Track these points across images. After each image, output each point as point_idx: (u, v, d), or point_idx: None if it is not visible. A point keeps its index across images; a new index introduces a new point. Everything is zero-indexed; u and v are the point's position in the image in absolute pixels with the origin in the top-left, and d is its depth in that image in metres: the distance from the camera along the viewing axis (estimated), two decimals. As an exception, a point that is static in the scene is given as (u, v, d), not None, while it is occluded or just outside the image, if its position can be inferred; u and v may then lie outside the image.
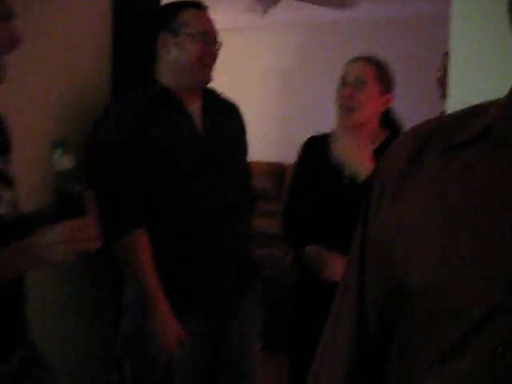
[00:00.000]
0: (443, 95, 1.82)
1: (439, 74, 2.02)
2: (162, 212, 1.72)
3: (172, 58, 1.74)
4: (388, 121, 1.88)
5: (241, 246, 1.79)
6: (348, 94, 1.80)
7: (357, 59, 1.88)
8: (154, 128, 1.72)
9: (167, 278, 1.72)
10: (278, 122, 5.36)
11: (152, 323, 1.67)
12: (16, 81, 1.60)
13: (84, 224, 1.27)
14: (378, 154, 1.74)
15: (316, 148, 1.92)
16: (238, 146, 1.89)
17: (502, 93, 0.63)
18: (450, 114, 0.74)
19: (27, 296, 1.49)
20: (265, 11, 4.17)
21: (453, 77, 1.26)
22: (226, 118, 1.86)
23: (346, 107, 1.81)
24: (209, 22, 1.77)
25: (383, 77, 1.85)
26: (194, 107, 1.81)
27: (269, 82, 5.35)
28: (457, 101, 1.22)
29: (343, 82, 1.84)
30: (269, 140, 5.03)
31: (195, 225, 1.72)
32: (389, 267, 0.70)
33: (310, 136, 2.01)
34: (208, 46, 1.74)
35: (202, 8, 1.76)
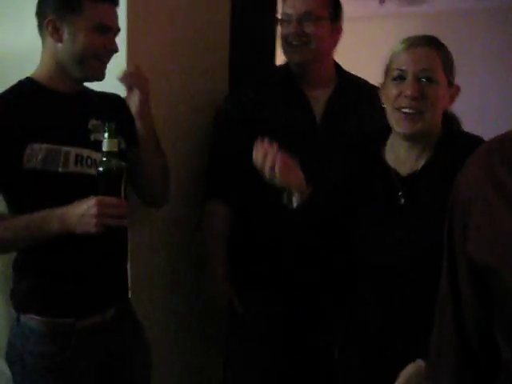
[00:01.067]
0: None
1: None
2: (254, 194, 1.84)
3: None
4: (445, 117, 1.51)
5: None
6: (413, 93, 1.39)
7: (417, 43, 1.43)
8: (268, 113, 1.88)
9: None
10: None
11: (205, 280, 1.91)
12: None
13: (115, 202, 1.41)
14: (439, 159, 1.46)
15: (367, 152, 1.56)
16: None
17: None
18: None
19: (126, 253, 1.67)
20: (382, 0, 4.18)
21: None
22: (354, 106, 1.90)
23: (411, 111, 1.40)
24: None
25: (448, 63, 1.46)
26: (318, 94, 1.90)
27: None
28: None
29: (400, 76, 1.42)
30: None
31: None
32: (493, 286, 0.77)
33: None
34: (288, 26, 1.84)
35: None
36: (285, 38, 1.87)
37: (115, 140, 1.44)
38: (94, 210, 1.38)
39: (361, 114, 1.89)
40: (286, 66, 1.95)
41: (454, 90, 1.48)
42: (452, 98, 1.49)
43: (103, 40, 1.52)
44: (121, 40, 1.63)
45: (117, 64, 1.63)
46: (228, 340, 2.05)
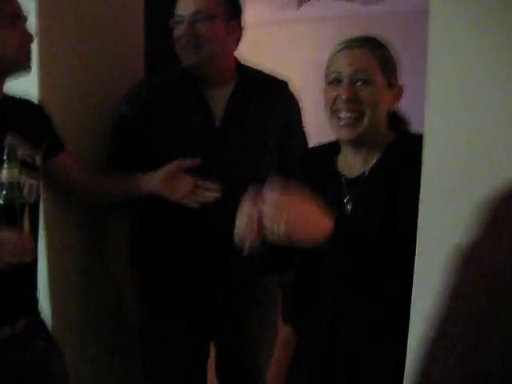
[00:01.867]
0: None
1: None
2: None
3: None
4: (393, 119, 1.47)
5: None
6: (348, 96, 1.36)
7: (353, 44, 1.40)
8: (163, 114, 1.82)
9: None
10: (316, 115, 5.36)
11: None
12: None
13: (15, 237, 1.28)
14: (384, 162, 1.41)
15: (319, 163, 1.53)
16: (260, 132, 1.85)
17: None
18: None
19: (36, 269, 1.56)
20: (299, 5, 4.25)
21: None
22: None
23: (348, 115, 1.37)
24: None
25: (388, 64, 1.41)
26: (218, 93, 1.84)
27: (307, 76, 5.40)
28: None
29: (336, 79, 1.39)
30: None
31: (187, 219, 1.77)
32: None
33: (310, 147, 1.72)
34: (179, 28, 1.78)
35: None
36: (177, 40, 1.79)
37: (15, 169, 1.29)
38: None
39: (265, 111, 1.86)
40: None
41: (396, 91, 1.42)
42: (396, 99, 1.43)
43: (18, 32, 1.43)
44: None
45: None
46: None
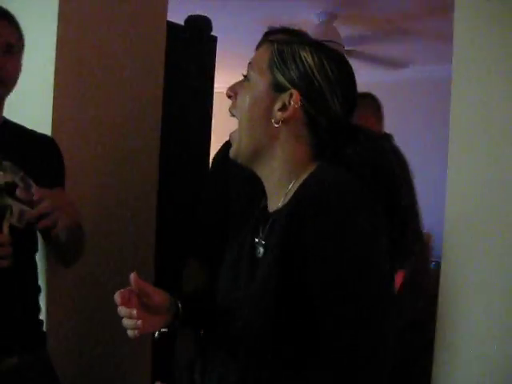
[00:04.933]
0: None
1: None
2: None
3: None
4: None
5: None
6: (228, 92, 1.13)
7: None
8: None
9: None
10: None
11: None
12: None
13: None
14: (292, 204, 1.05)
15: None
16: None
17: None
18: None
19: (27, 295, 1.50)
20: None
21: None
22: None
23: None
24: None
25: (283, 60, 1.08)
26: None
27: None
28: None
29: None
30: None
31: None
32: None
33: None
34: None
35: None
36: None
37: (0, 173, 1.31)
38: None
39: None
40: None
41: (286, 97, 1.06)
42: (285, 108, 1.06)
43: None
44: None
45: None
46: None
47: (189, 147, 2.30)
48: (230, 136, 1.13)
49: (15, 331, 1.47)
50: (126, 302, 1.02)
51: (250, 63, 1.11)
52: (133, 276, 1.02)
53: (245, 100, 1.09)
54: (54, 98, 1.74)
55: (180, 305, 1.07)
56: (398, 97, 5.19)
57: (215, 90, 2.51)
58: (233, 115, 1.11)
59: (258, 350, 1.02)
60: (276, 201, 1.10)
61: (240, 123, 1.10)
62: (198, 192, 1.84)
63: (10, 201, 1.33)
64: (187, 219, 1.91)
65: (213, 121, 2.51)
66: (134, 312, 1.00)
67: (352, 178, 1.02)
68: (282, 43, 1.09)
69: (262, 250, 1.11)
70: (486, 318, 1.31)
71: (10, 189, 1.36)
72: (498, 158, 1.25)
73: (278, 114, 1.06)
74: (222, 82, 2.46)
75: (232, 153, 1.12)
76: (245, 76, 1.11)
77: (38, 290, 1.60)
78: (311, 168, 1.06)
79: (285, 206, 1.06)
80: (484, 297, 1.32)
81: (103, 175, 1.92)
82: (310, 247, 0.94)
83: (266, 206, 1.16)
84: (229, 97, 1.11)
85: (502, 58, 1.27)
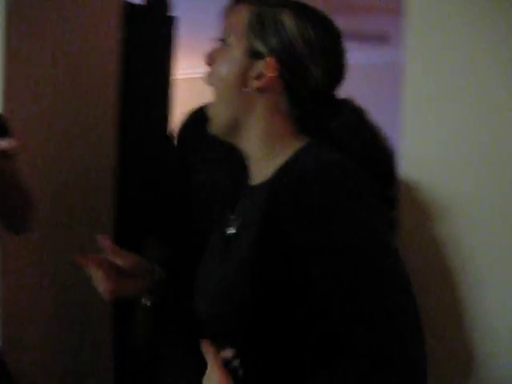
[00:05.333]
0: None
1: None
2: None
3: None
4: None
5: None
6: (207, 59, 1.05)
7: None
8: None
9: None
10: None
11: None
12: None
13: None
14: (273, 183, 0.96)
15: None
16: None
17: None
18: None
19: None
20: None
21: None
22: None
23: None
24: None
25: (263, 26, 1.00)
26: None
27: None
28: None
29: None
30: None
31: None
32: None
33: None
34: None
35: None
36: None
37: None
38: None
39: None
40: None
41: (264, 65, 0.99)
42: (261, 76, 0.99)
43: None
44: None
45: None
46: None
47: (148, 127, 2.28)
48: (206, 109, 1.05)
49: None
50: (96, 265, 1.03)
51: (225, 26, 1.03)
52: (101, 237, 1.03)
53: (220, 67, 1.01)
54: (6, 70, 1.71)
55: (160, 270, 1.08)
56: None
57: (181, 77, 2.49)
58: (211, 84, 1.03)
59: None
60: (259, 178, 1.02)
61: (215, 92, 1.02)
62: (157, 170, 1.83)
63: None
64: (147, 197, 1.89)
65: (176, 107, 2.49)
66: (101, 274, 1.02)
67: (345, 155, 0.95)
68: (261, 5, 1.00)
69: (232, 228, 1.03)
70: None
71: None
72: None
73: (254, 83, 0.99)
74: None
75: (210, 128, 1.05)
76: (222, 40, 1.03)
77: None
78: (297, 144, 0.98)
79: (267, 182, 0.98)
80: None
81: (60, 150, 1.90)
82: (314, 224, 0.86)
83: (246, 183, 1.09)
84: (208, 64, 1.04)
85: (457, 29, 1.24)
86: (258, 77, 0.99)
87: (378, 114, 1.08)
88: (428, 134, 1.22)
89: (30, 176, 1.65)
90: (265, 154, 1.01)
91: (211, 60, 1.03)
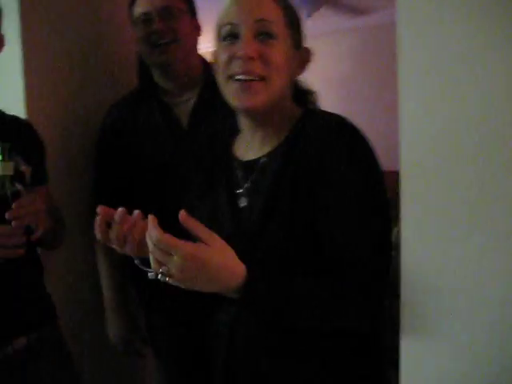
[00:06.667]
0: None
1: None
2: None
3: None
4: (298, 91, 1.22)
5: None
6: (249, 53, 1.07)
7: None
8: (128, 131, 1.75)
9: None
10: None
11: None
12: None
13: (8, 231, 1.27)
14: (290, 144, 1.11)
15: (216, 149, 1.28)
16: None
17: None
18: None
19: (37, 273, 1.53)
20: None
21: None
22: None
23: (249, 77, 1.08)
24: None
25: (294, 18, 1.14)
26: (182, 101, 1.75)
27: (330, 89, 5.34)
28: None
29: (231, 33, 1.09)
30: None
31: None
32: None
33: None
34: (149, 25, 1.67)
35: None
36: (147, 39, 1.67)
37: (10, 162, 1.33)
38: None
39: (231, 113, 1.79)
40: (146, 77, 1.78)
41: (304, 54, 1.15)
42: (303, 65, 1.15)
43: None
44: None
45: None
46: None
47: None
48: (248, 89, 1.08)
49: (20, 311, 1.45)
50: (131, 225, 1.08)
51: (262, 20, 1.07)
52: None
53: (279, 56, 1.09)
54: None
55: None
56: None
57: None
58: (254, 78, 1.07)
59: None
60: (259, 149, 1.16)
61: (271, 79, 1.08)
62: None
63: (20, 187, 1.36)
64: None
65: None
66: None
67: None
68: (287, 5, 1.14)
69: (245, 199, 1.15)
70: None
71: (19, 176, 1.41)
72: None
73: (298, 71, 1.16)
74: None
75: (255, 104, 1.09)
76: (266, 33, 1.08)
77: (41, 267, 1.59)
78: (297, 113, 1.15)
79: (279, 148, 1.12)
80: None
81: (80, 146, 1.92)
82: (340, 160, 1.03)
83: (233, 158, 1.21)
84: (251, 58, 1.06)
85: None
86: (300, 65, 1.16)
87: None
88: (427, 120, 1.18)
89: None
90: (280, 126, 1.14)
91: (258, 54, 1.07)
